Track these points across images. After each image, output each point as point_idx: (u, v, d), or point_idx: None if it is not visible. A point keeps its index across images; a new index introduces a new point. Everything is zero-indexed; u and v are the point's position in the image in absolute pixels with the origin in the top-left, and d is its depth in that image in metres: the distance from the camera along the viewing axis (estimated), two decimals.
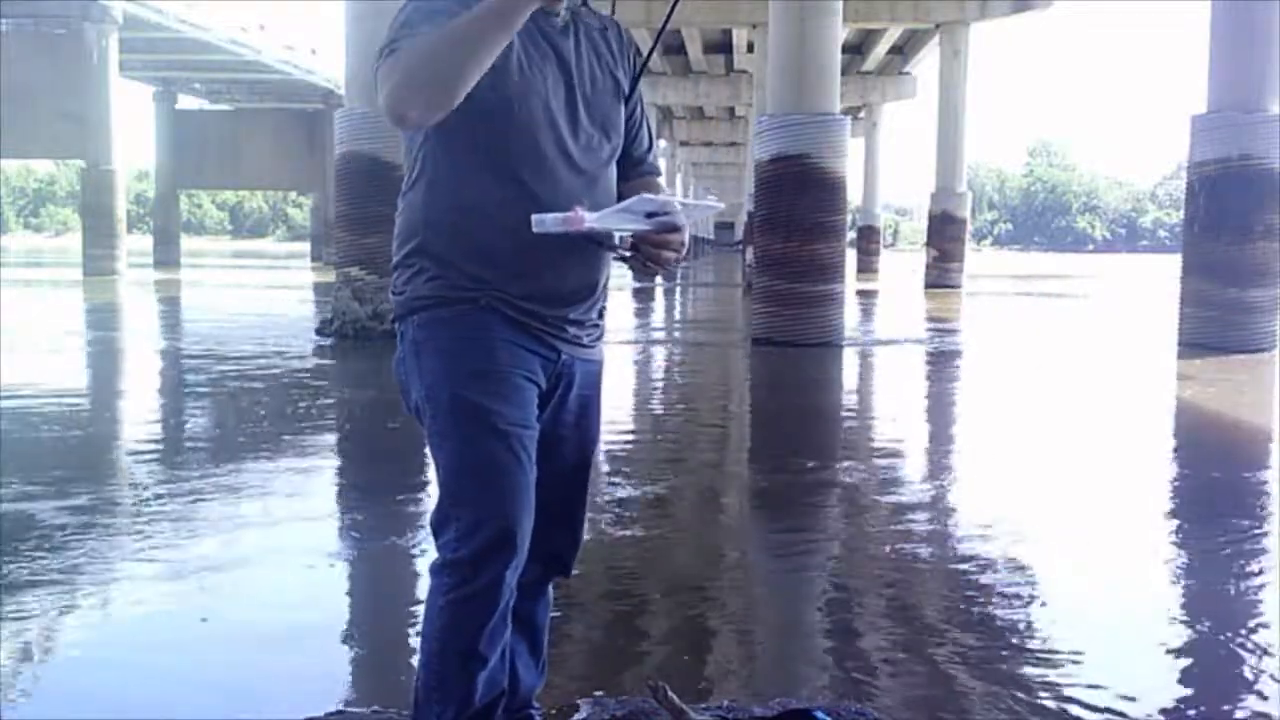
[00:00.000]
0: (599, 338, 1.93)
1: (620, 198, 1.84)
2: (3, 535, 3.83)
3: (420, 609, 3.20)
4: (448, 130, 1.70)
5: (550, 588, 2.08)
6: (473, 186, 1.74)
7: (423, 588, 3.39)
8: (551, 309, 1.80)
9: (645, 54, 1.97)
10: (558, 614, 3.05)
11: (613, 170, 1.89)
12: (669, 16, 2.19)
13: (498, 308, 1.76)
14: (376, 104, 1.68)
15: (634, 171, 1.97)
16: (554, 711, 2.31)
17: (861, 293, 22.69)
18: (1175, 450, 6.42)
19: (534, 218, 1.64)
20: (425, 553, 3.62)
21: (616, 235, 1.70)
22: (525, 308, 1.78)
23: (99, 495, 4.58)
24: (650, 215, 1.67)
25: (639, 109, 1.96)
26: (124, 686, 2.67)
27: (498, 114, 1.73)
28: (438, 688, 1.82)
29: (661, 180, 2.01)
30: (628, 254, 1.72)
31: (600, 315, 1.91)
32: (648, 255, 1.71)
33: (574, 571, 2.07)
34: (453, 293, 1.76)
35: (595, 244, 1.74)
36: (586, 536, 4.01)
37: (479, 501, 1.75)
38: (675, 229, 1.71)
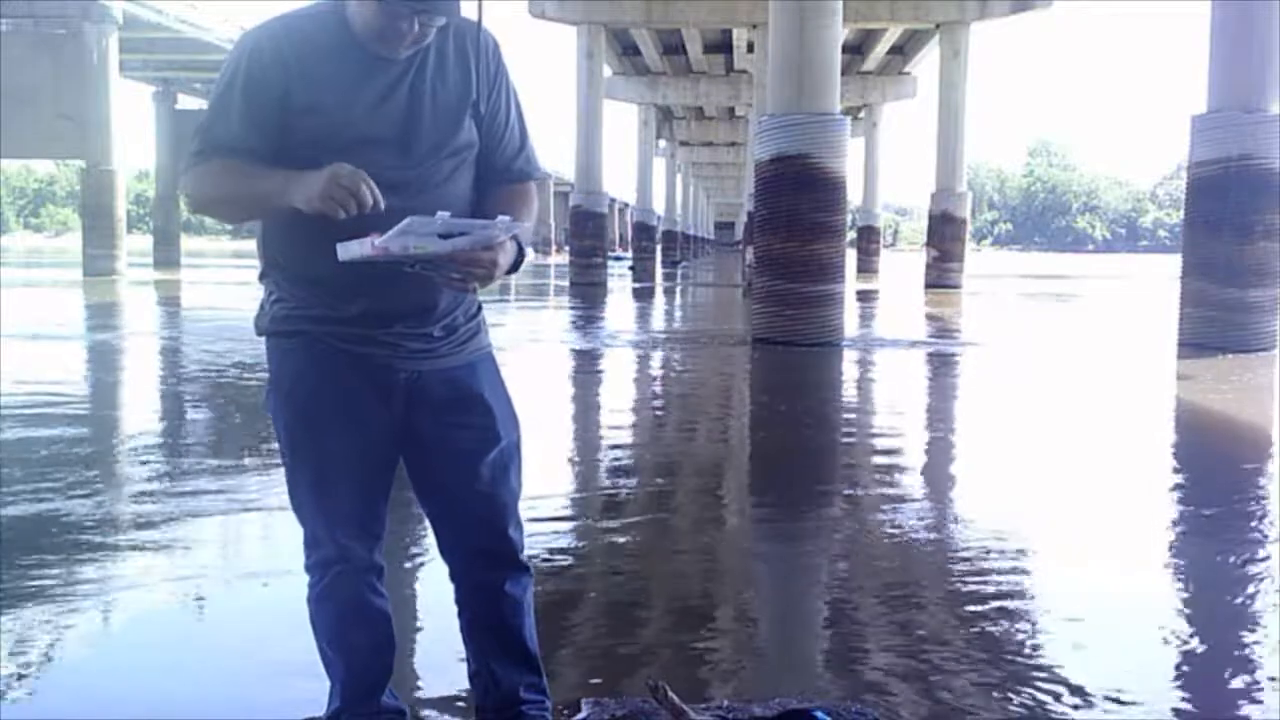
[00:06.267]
0: (466, 341, 1.94)
1: (491, 208, 1.83)
2: (2, 535, 3.83)
3: (419, 608, 3.21)
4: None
5: (518, 588, 2.04)
6: (300, 219, 1.73)
7: (423, 588, 3.41)
8: (383, 329, 1.85)
9: (476, 45, 1.86)
10: (559, 614, 3.08)
11: (458, 184, 1.86)
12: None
13: (328, 340, 1.85)
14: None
15: (503, 177, 1.93)
16: (558, 710, 2.31)
17: (861, 293, 22.72)
18: (1175, 450, 6.42)
19: (339, 246, 1.68)
20: (426, 552, 3.62)
21: (413, 256, 1.67)
22: (355, 332, 1.84)
23: (98, 495, 4.58)
24: (446, 236, 1.67)
25: (504, 112, 1.90)
26: (124, 686, 2.67)
27: (319, 150, 1.74)
28: (326, 666, 2.05)
29: (533, 186, 1.95)
30: (432, 273, 1.72)
31: (453, 328, 1.91)
32: (459, 274, 1.72)
33: (527, 560, 2.06)
34: (290, 325, 1.88)
35: (408, 268, 1.71)
36: (586, 539, 4.03)
37: (313, 523, 1.96)
38: (487, 248, 1.71)
